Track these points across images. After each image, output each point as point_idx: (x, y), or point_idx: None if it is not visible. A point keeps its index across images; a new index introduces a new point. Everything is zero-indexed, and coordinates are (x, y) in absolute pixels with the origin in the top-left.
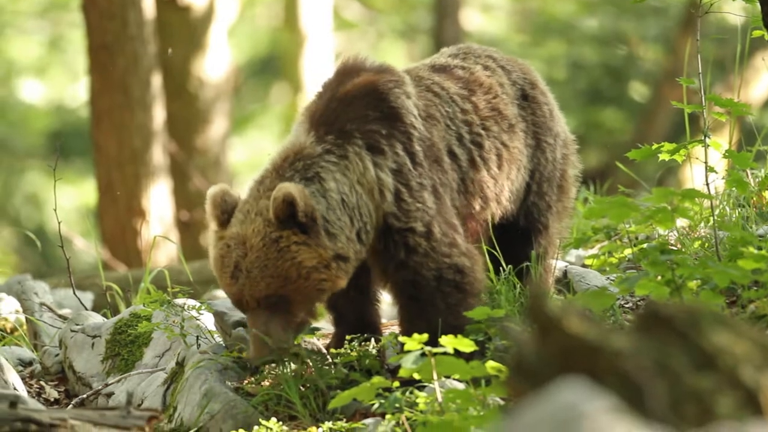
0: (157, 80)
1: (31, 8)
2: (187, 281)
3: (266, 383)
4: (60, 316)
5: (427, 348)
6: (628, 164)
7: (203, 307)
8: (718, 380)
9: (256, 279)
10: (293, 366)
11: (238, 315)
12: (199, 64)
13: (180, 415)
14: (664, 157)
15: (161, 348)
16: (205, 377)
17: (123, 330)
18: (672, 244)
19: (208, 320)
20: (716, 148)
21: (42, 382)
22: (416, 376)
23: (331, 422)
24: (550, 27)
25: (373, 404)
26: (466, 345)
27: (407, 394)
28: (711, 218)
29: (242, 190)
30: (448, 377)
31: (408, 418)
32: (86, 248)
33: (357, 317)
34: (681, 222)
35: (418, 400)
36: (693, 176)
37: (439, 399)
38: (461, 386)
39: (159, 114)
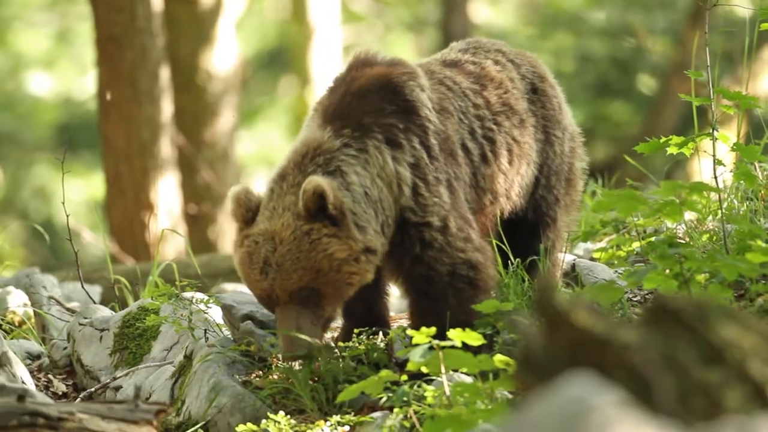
0: (165, 73)
1: (39, 1)
2: (195, 274)
3: (274, 377)
4: (68, 309)
5: (435, 341)
6: (636, 157)
7: (211, 301)
8: (726, 374)
9: (287, 272)
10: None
11: (246, 308)
12: (207, 56)
13: (188, 408)
14: (672, 150)
15: (169, 341)
16: (213, 371)
17: (131, 323)
18: (680, 238)
19: (216, 314)
20: (724, 141)
21: (50, 376)
22: (424, 369)
23: (339, 416)
24: (558, 20)
25: (381, 398)
26: (474, 338)
27: (415, 387)
28: (719, 211)
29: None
30: (456, 371)
31: (416, 412)
32: (94, 241)
33: (365, 310)
34: (689, 215)
35: (426, 394)
36: (701, 169)
37: (447, 392)
38: (469, 380)
39: (167, 107)
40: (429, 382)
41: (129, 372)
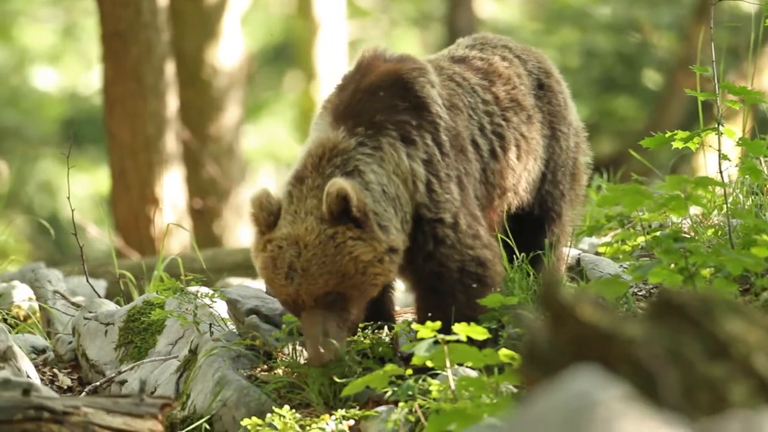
0: (170, 68)
1: None
2: (200, 269)
3: (279, 371)
4: (73, 303)
5: (440, 336)
6: (642, 152)
7: (216, 295)
8: (731, 368)
9: (313, 276)
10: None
11: (251, 303)
12: (213, 51)
13: (193, 402)
14: (677, 145)
15: (174, 336)
16: (218, 365)
17: (136, 318)
18: (685, 232)
19: (221, 308)
20: (730, 135)
21: (55, 370)
22: (429, 363)
23: (344, 410)
24: (564, 15)
25: (386, 392)
26: (479, 333)
27: (420, 381)
28: (724, 206)
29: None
30: (461, 365)
31: (421, 406)
32: (99, 236)
33: (370, 304)
34: (694, 210)
35: (431, 388)
36: (706, 164)
37: (452, 387)
38: (474, 374)
39: (172, 102)
40: (434, 376)
41: (134, 366)
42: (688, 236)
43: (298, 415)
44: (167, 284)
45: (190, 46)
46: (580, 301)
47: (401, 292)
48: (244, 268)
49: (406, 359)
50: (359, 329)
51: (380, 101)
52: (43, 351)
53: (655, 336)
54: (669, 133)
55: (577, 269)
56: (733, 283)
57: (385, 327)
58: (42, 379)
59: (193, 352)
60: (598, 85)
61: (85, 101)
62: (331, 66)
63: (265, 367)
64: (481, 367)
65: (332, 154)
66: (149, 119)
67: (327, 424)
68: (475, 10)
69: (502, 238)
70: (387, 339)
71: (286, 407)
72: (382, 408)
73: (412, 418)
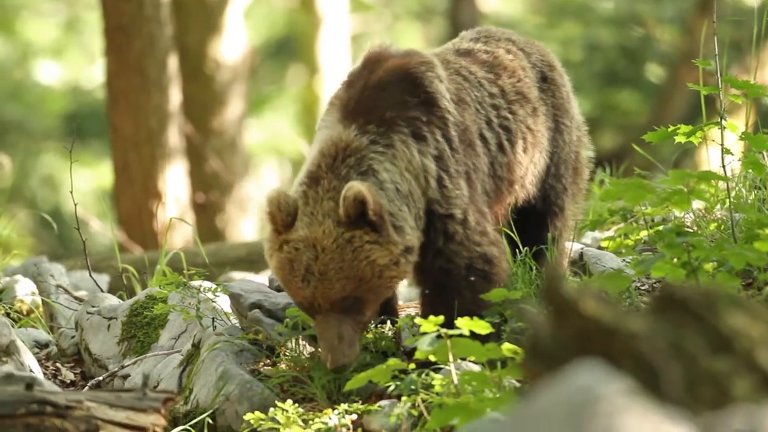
0: (173, 62)
1: None
2: (202, 263)
3: (282, 365)
4: (76, 298)
5: (443, 330)
6: (644, 146)
7: (219, 289)
8: (735, 363)
9: (331, 281)
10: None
11: (254, 297)
12: (216, 45)
13: (196, 396)
14: (680, 139)
15: (177, 330)
16: (221, 359)
17: (139, 312)
18: (688, 226)
19: (224, 302)
20: (732, 130)
21: (58, 364)
22: (432, 358)
23: (346, 404)
24: (566, 8)
25: (389, 386)
26: (482, 327)
27: (423, 376)
28: (727, 200)
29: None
30: (463, 359)
31: (424, 400)
32: (102, 230)
33: None
34: (697, 204)
35: (433, 382)
36: (709, 158)
37: (455, 381)
38: (477, 368)
39: (175, 95)
40: (437, 370)
41: (137, 360)
42: (691, 230)
43: (300, 410)
44: (170, 279)
45: (193, 39)
46: (583, 295)
47: (404, 287)
48: (247, 263)
49: (409, 353)
50: None
51: (390, 97)
52: (46, 345)
53: (658, 330)
54: (672, 128)
55: (580, 263)
56: (736, 278)
57: (388, 321)
58: (45, 374)
59: (196, 347)
60: (600, 78)
61: (88, 95)
62: (334, 60)
63: (268, 361)
64: (484, 361)
65: (346, 154)
66: (152, 113)
67: (330, 418)
68: (477, 4)
69: (505, 232)
70: (390, 333)
71: (289, 401)
72: (385, 402)
73: (414, 413)
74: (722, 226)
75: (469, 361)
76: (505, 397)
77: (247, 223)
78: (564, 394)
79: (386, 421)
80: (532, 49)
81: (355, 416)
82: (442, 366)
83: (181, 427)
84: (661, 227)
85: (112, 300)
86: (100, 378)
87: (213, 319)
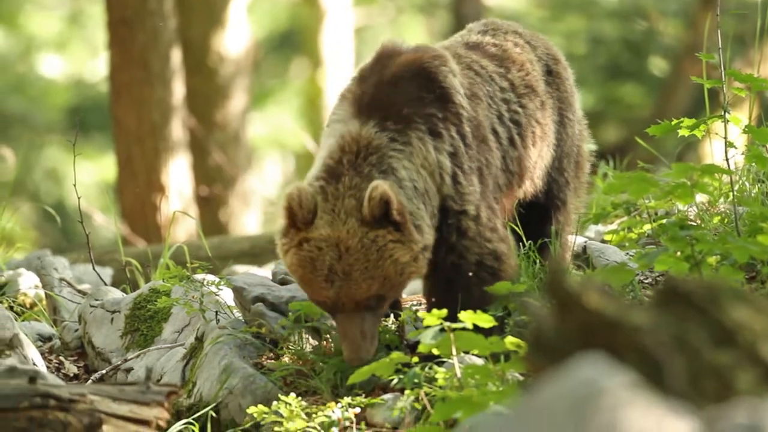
0: (176, 55)
1: None
2: (206, 256)
3: (285, 359)
4: (79, 291)
5: (447, 323)
6: (648, 140)
7: (222, 283)
8: (738, 356)
9: (356, 281)
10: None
11: (257, 290)
12: (219, 39)
13: (199, 390)
14: (683, 132)
15: (180, 323)
16: (225, 352)
17: (142, 305)
18: (691, 220)
19: (227, 296)
20: (736, 123)
21: (61, 358)
22: (435, 351)
23: (350, 397)
24: (570, 2)
25: (393, 379)
26: (485, 320)
27: (426, 369)
28: (730, 194)
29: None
30: (467, 353)
31: (427, 394)
32: (106, 223)
33: None
34: (700, 197)
35: (437, 376)
36: (712, 152)
37: (458, 374)
38: (480, 362)
39: (178, 89)
40: (440, 364)
41: (140, 354)
42: (695, 224)
43: (304, 403)
44: (173, 272)
45: (196, 33)
46: (587, 288)
47: None
48: (250, 256)
49: (413, 347)
50: None
51: (405, 92)
52: (49, 339)
53: (662, 324)
54: (675, 121)
55: (584, 257)
56: (740, 271)
57: (392, 315)
58: (48, 367)
59: (200, 340)
60: (604, 72)
61: (91, 88)
62: (337, 53)
63: (271, 354)
64: (488, 354)
65: (367, 152)
66: (155, 106)
67: (333, 411)
68: None
69: (510, 226)
70: (393, 327)
71: (293, 395)
72: (388, 396)
73: (418, 406)
74: (725, 220)
75: (473, 354)
76: (508, 391)
77: (250, 216)
78: (567, 388)
79: (389, 414)
80: (537, 42)
81: (358, 409)
82: (445, 359)
83: (184, 421)
84: (664, 221)
85: (115, 293)
86: (104, 371)
87: (216, 312)
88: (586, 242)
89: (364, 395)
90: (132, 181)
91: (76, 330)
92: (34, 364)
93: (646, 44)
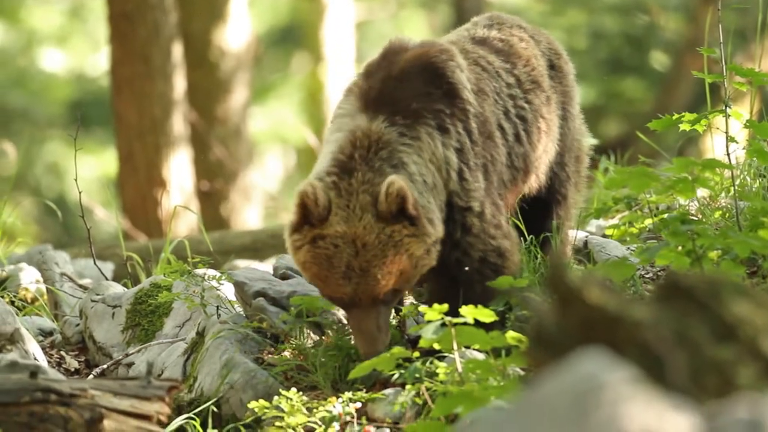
0: (177, 49)
1: None
2: (207, 251)
3: (286, 354)
4: (80, 286)
5: (448, 318)
6: (649, 134)
7: (223, 277)
8: (739, 351)
9: (374, 277)
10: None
11: (258, 285)
12: (220, 33)
13: (200, 385)
14: (684, 127)
15: (181, 318)
16: (226, 347)
17: (143, 300)
18: (693, 215)
19: (228, 290)
20: (737, 117)
21: (62, 352)
22: (436, 346)
23: (351, 392)
24: None
25: (394, 374)
26: (487, 315)
27: (427, 364)
28: (732, 188)
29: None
30: (468, 347)
31: (428, 389)
32: (107, 218)
33: None
34: (702, 192)
35: (438, 371)
36: (714, 146)
37: (459, 369)
38: (481, 356)
39: (179, 83)
40: (441, 358)
41: (141, 349)
42: (696, 218)
43: (305, 398)
44: (174, 267)
45: (197, 27)
46: (588, 283)
47: None
48: (252, 251)
49: (414, 342)
50: None
51: (413, 88)
52: (51, 333)
53: (663, 318)
54: (676, 115)
55: (585, 252)
56: (741, 266)
57: (393, 309)
58: (49, 362)
59: (201, 335)
60: (605, 66)
61: (92, 83)
62: (339, 48)
63: (273, 349)
64: (489, 349)
65: (378, 147)
66: (156, 101)
67: (334, 406)
68: None
69: (512, 221)
70: (394, 322)
71: (293, 390)
72: (389, 390)
73: (419, 401)
74: (727, 214)
75: (474, 349)
76: (509, 386)
77: (251, 211)
78: (568, 382)
79: (390, 409)
80: (540, 36)
81: (359, 404)
82: (446, 354)
83: (185, 416)
84: (665, 215)
85: (116, 288)
86: (105, 366)
87: (217, 307)
88: (587, 237)
89: (365, 390)
90: (133, 175)
91: (77, 325)
92: (35, 358)
93: (647, 39)
